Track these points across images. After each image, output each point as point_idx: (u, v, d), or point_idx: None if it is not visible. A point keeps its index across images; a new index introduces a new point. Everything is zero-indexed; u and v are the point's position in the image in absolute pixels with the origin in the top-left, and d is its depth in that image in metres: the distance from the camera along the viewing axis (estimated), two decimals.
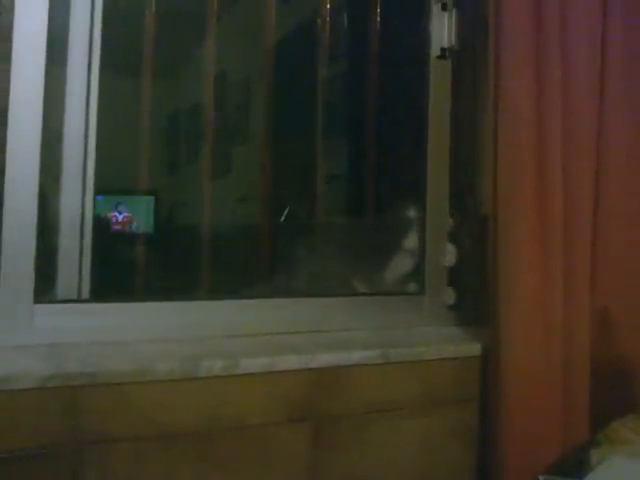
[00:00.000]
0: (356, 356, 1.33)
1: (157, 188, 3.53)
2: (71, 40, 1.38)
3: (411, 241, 1.79)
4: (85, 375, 1.12)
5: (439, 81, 1.79)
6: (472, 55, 1.78)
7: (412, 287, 1.74)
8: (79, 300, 1.34)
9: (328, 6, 1.84)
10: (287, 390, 1.27)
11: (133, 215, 3.25)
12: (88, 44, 1.40)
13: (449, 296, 1.71)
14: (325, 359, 1.30)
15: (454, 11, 1.80)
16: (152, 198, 3.39)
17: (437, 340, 1.51)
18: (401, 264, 1.79)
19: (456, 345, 1.48)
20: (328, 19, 1.88)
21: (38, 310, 1.26)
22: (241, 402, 1.24)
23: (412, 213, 1.81)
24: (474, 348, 1.48)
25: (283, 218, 2.43)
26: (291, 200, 2.50)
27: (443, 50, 1.80)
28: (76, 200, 1.41)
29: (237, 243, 2.66)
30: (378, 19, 1.88)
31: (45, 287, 1.33)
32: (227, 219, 2.94)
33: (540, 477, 1.15)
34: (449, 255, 1.73)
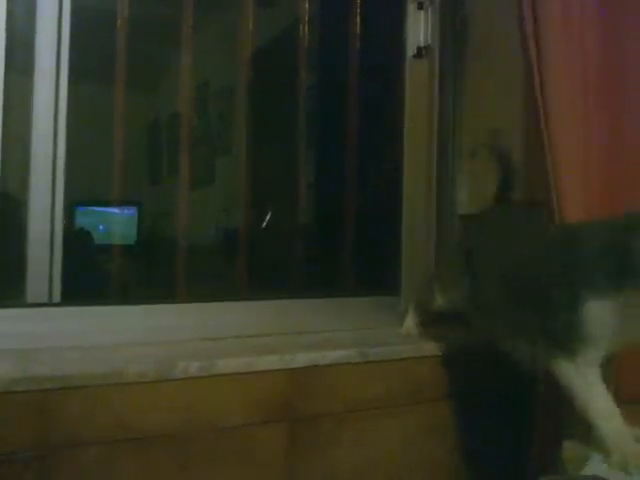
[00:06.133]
0: (333, 355, 1.31)
1: (140, 199, 3.51)
2: (39, 46, 1.35)
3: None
4: (54, 379, 1.09)
5: (415, 80, 1.79)
6: (452, 54, 1.79)
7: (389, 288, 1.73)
8: (47, 304, 1.30)
9: (307, 5, 1.82)
10: (265, 391, 1.25)
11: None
12: (56, 50, 1.37)
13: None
14: (302, 359, 1.28)
15: (430, 10, 1.80)
16: (135, 209, 3.37)
17: (414, 338, 1.49)
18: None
19: (432, 343, 1.45)
20: (307, 21, 1.87)
21: (2, 315, 1.24)
22: (218, 403, 1.21)
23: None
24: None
25: (265, 224, 2.42)
26: (274, 206, 2.49)
27: (419, 49, 1.80)
28: (47, 207, 1.37)
29: (220, 251, 2.64)
30: (358, 22, 1.87)
31: (12, 292, 1.31)
32: (211, 228, 2.93)
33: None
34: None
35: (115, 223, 3.21)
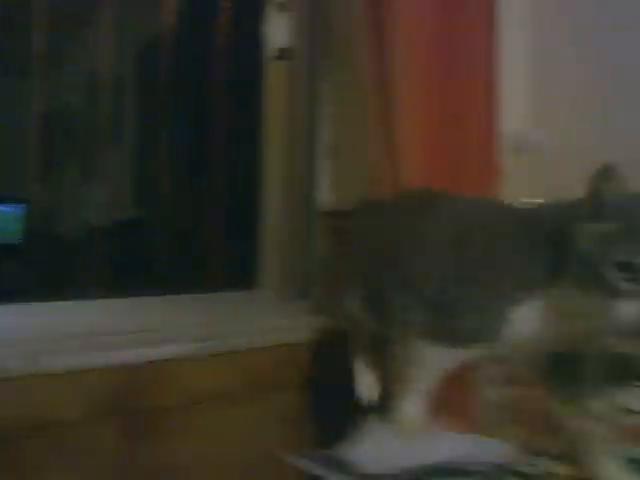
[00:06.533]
0: (172, 350, 1.32)
1: (29, 195, 3.41)
2: None
3: None
4: None
5: (275, 82, 1.82)
6: (314, 56, 1.82)
7: (246, 281, 1.76)
8: None
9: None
10: (98, 387, 1.24)
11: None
12: None
13: (287, 288, 1.73)
14: (141, 354, 1.28)
15: (291, 12, 1.83)
16: (20, 207, 3.28)
17: (260, 330, 1.50)
18: None
19: (279, 334, 1.48)
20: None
21: None
22: (46, 402, 1.19)
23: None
24: (296, 336, 1.49)
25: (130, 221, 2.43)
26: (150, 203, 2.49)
27: (280, 50, 1.83)
28: None
29: (94, 249, 2.62)
30: (223, 21, 1.89)
31: None
32: (93, 224, 2.89)
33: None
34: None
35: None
